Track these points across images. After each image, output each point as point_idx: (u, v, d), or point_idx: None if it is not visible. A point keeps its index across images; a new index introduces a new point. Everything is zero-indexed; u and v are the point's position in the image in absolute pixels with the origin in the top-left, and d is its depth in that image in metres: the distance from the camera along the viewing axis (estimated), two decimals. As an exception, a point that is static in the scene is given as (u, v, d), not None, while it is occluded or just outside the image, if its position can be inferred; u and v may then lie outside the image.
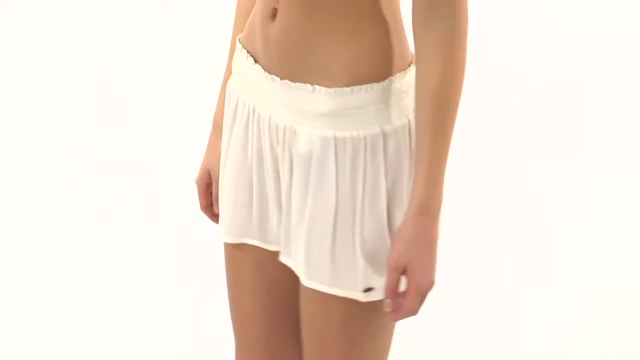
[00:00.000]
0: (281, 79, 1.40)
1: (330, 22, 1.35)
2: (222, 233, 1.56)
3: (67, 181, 3.21)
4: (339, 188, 1.39)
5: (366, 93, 1.36)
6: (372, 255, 1.40)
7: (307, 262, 1.43)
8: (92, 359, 2.53)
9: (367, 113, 1.37)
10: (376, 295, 1.41)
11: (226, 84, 1.56)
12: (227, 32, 1.61)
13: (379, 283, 1.40)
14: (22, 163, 3.30)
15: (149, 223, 3.02)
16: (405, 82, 1.39)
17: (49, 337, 2.59)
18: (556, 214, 3.14)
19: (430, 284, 1.37)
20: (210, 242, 2.75)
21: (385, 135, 1.37)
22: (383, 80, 1.37)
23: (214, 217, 1.65)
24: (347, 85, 1.36)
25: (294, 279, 1.50)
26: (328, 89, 1.36)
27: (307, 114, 1.38)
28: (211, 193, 1.64)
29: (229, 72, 1.56)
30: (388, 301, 1.37)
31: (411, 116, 1.39)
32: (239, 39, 1.51)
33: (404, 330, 2.62)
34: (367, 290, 1.41)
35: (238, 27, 1.57)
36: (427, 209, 1.34)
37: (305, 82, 1.38)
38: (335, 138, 1.37)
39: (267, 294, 1.57)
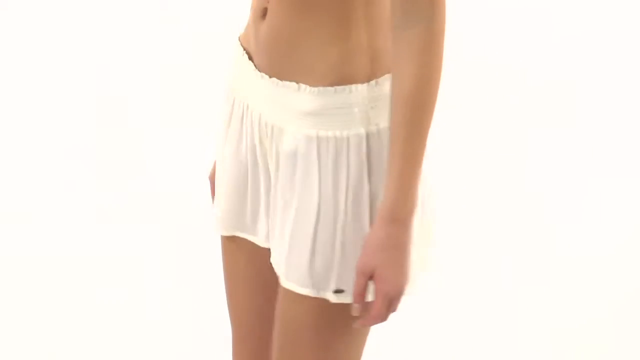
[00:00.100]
0: (270, 77, 1.42)
1: (318, 22, 1.35)
2: (215, 225, 1.58)
3: (67, 181, 3.21)
4: (321, 188, 1.39)
5: (350, 94, 1.36)
6: (350, 258, 1.39)
7: (288, 262, 1.44)
8: (92, 358, 2.53)
9: (351, 114, 1.37)
10: (346, 298, 1.40)
11: None
12: (227, 33, 1.62)
13: (351, 286, 1.40)
14: (22, 163, 3.30)
15: (148, 224, 3.02)
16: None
17: (48, 337, 2.59)
18: (555, 214, 3.14)
19: (398, 291, 1.35)
20: (210, 242, 2.75)
21: (369, 137, 1.37)
22: (368, 82, 1.37)
23: None
24: (332, 85, 1.37)
25: None
26: (312, 88, 1.37)
27: (293, 112, 1.40)
28: None
29: None
30: (356, 306, 1.36)
31: None
32: (239, 37, 1.53)
33: (403, 330, 2.62)
34: (338, 291, 1.40)
35: None
36: (397, 215, 1.32)
37: (291, 80, 1.39)
38: (318, 137, 1.38)
39: (260, 289, 1.58)
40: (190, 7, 4.17)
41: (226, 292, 1.65)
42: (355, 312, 1.37)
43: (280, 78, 1.40)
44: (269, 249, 1.53)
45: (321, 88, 1.37)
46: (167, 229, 2.99)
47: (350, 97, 1.36)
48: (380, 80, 1.37)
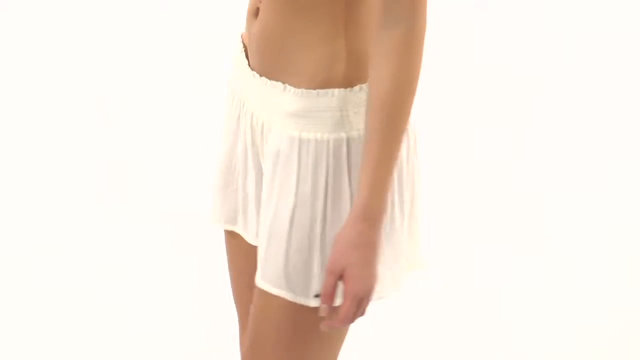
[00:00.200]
0: (260, 76, 1.43)
1: (306, 24, 1.36)
2: (210, 218, 1.60)
3: (67, 181, 3.21)
4: (298, 190, 1.39)
5: (332, 97, 1.37)
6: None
7: (265, 262, 1.44)
8: (93, 358, 2.53)
9: (333, 117, 1.37)
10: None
11: None
12: (227, 33, 1.63)
13: None
14: (21, 163, 3.30)
15: (148, 224, 3.02)
16: None
17: (48, 337, 2.59)
18: (553, 214, 3.14)
19: (366, 291, 1.33)
20: (210, 242, 2.75)
21: (349, 141, 1.37)
22: (353, 86, 1.37)
23: None
24: (315, 88, 1.37)
25: None
26: (297, 89, 1.38)
27: (279, 112, 1.40)
28: None
29: None
30: (324, 306, 1.35)
31: None
32: (241, 34, 1.54)
33: (403, 330, 2.63)
34: (318, 296, 1.38)
35: None
36: (368, 214, 1.31)
37: (278, 80, 1.40)
38: (300, 139, 1.38)
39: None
40: (191, 7, 4.17)
41: (230, 283, 1.68)
42: (323, 312, 1.35)
43: (269, 77, 1.41)
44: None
45: (304, 90, 1.37)
46: (166, 229, 2.99)
47: (332, 101, 1.36)
48: (364, 86, 1.37)
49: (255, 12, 1.44)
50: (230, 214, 1.58)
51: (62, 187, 3.18)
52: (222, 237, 1.69)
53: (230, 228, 1.59)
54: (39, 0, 4.17)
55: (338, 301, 1.37)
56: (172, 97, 3.66)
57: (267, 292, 1.43)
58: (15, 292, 2.74)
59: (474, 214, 3.12)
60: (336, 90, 1.36)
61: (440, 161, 3.28)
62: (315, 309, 1.40)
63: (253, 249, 1.56)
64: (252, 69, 1.45)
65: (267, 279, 1.43)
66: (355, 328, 2.47)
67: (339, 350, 1.50)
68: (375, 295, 1.40)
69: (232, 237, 1.62)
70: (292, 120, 1.39)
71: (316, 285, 1.39)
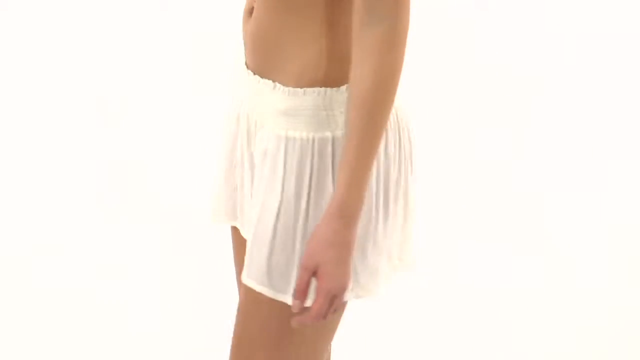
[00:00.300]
0: (253, 74, 1.44)
1: (296, 24, 1.37)
2: (211, 217, 1.60)
3: (67, 181, 3.21)
4: (284, 188, 1.40)
5: (318, 96, 1.37)
6: None
7: (250, 259, 1.44)
8: (93, 358, 2.53)
9: (318, 116, 1.38)
10: (306, 301, 1.39)
11: None
12: (227, 33, 1.64)
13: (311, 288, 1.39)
14: (21, 163, 3.30)
15: (147, 224, 3.02)
16: None
17: (47, 337, 2.59)
18: (553, 214, 3.14)
19: (339, 289, 1.34)
20: (210, 241, 2.75)
21: (334, 141, 1.37)
22: (339, 86, 1.37)
23: None
24: (302, 87, 1.38)
25: None
26: (285, 88, 1.39)
27: (269, 111, 1.42)
28: None
29: None
30: (296, 302, 1.36)
31: None
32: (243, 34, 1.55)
33: (403, 330, 2.63)
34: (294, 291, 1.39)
35: None
36: (344, 212, 1.31)
37: (269, 78, 1.41)
38: (286, 137, 1.39)
39: None
40: (191, 8, 4.17)
41: (235, 277, 1.70)
42: (295, 308, 1.36)
43: (261, 76, 1.43)
44: None
45: (292, 88, 1.38)
46: (166, 228, 2.99)
47: (319, 100, 1.37)
48: None
49: (250, 11, 1.46)
50: (232, 210, 1.59)
51: (62, 187, 3.18)
52: (221, 237, 1.70)
53: (232, 223, 1.61)
54: (39, 0, 4.18)
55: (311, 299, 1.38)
56: (172, 97, 3.66)
57: (252, 289, 1.44)
58: (15, 292, 2.74)
59: (474, 213, 3.12)
60: (322, 90, 1.37)
61: (440, 161, 3.28)
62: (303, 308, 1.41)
63: None
64: (247, 68, 1.47)
65: (252, 276, 1.44)
66: (357, 328, 2.47)
67: (323, 348, 1.50)
68: (361, 292, 1.42)
69: (236, 233, 1.64)
70: (280, 119, 1.40)
71: (294, 284, 1.40)
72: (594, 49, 4.03)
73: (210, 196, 1.63)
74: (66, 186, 3.19)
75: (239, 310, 1.48)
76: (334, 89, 1.37)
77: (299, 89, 1.38)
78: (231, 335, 1.65)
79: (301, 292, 1.35)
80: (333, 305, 1.35)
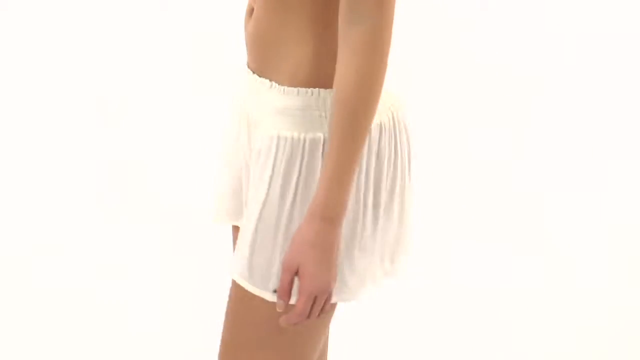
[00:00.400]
0: (252, 73, 1.45)
1: (292, 24, 1.38)
2: (211, 215, 1.61)
3: (67, 181, 3.21)
4: (270, 187, 1.40)
5: (311, 97, 1.38)
6: None
7: (236, 254, 1.46)
8: (94, 358, 2.53)
9: (311, 117, 1.38)
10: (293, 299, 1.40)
11: None
12: (227, 33, 1.64)
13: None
14: (21, 163, 3.30)
15: (147, 224, 3.02)
16: None
17: (47, 337, 2.59)
18: (553, 214, 3.14)
19: (320, 289, 1.34)
20: (210, 241, 2.75)
21: (325, 142, 1.37)
22: (332, 88, 1.37)
23: None
24: (296, 86, 1.38)
25: None
26: (280, 87, 1.40)
27: (266, 110, 1.43)
28: None
29: None
30: (280, 302, 1.36)
31: None
32: None
33: (402, 330, 2.62)
34: (277, 291, 1.40)
35: None
36: (325, 213, 1.32)
37: (266, 77, 1.42)
38: (278, 137, 1.40)
39: None
40: (191, 8, 4.17)
41: None
42: (279, 308, 1.36)
43: (259, 75, 1.44)
44: None
45: (286, 87, 1.39)
46: (166, 228, 3.00)
47: (311, 100, 1.38)
48: None
49: (251, 12, 1.47)
50: (234, 210, 1.60)
51: (62, 187, 3.18)
52: (221, 236, 1.70)
53: (234, 223, 1.62)
54: (39, 0, 4.18)
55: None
56: (172, 97, 3.66)
57: (240, 286, 1.45)
58: (15, 292, 2.74)
59: (474, 213, 3.12)
60: (316, 90, 1.38)
61: (441, 161, 3.28)
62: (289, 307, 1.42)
63: None
64: (248, 67, 1.48)
65: (237, 271, 1.45)
66: (357, 328, 2.47)
67: (311, 349, 1.50)
68: (347, 296, 1.42)
69: (236, 232, 1.66)
70: (275, 118, 1.41)
71: (276, 280, 1.41)
72: (594, 49, 4.03)
73: (212, 196, 1.64)
74: (66, 186, 3.19)
75: (227, 307, 1.49)
76: (328, 89, 1.38)
77: (292, 88, 1.38)
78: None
79: (284, 292, 1.35)
80: (316, 305, 1.35)
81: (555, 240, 3.03)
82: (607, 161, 3.42)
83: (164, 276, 2.82)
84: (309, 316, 1.35)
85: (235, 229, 1.67)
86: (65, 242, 2.94)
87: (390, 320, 2.64)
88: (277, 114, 1.40)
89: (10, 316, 2.66)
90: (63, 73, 3.77)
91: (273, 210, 1.40)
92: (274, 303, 1.42)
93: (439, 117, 3.49)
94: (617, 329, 2.70)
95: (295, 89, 1.38)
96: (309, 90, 1.38)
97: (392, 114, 1.42)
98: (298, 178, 1.38)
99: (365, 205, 1.41)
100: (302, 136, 1.38)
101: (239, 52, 3.76)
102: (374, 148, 1.39)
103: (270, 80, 1.41)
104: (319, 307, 1.35)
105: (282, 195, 1.39)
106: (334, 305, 1.48)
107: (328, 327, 1.54)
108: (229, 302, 1.49)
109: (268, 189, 1.40)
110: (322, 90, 1.37)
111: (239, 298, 1.46)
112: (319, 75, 1.38)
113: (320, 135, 1.38)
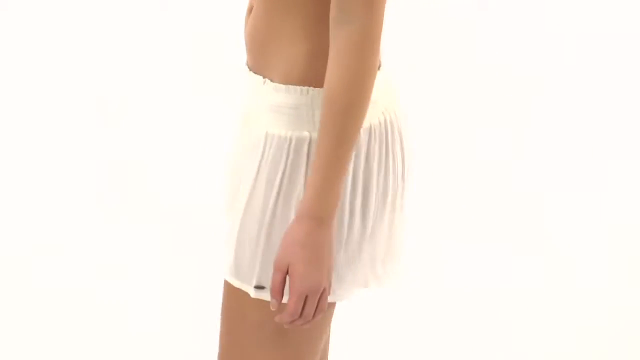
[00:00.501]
0: (249, 70, 1.46)
1: (286, 23, 1.38)
2: (223, 210, 1.62)
3: (67, 181, 3.21)
4: (255, 184, 1.41)
5: (300, 95, 1.38)
6: (273, 258, 1.40)
7: (224, 249, 1.46)
8: (94, 358, 2.53)
9: (299, 115, 1.38)
10: (265, 296, 1.41)
11: None
12: (227, 33, 1.65)
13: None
14: (21, 163, 3.30)
15: (147, 224, 3.02)
16: None
17: (47, 337, 2.59)
18: (553, 214, 3.14)
19: (311, 289, 1.34)
20: (209, 242, 2.75)
21: (311, 142, 1.37)
22: (322, 87, 1.37)
23: None
24: (287, 84, 1.39)
25: None
26: (272, 84, 1.40)
27: (259, 107, 1.43)
28: None
29: None
30: (273, 301, 1.36)
31: None
32: None
33: (402, 331, 2.63)
34: (258, 287, 1.41)
35: None
36: (313, 213, 1.32)
37: (260, 74, 1.43)
38: (266, 134, 1.40)
39: None
40: (191, 8, 4.17)
41: None
42: (273, 307, 1.36)
43: (255, 72, 1.44)
44: None
45: (277, 85, 1.39)
46: (166, 228, 3.00)
47: (300, 98, 1.38)
48: None
49: (251, 10, 1.48)
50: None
51: (62, 187, 3.18)
52: (221, 236, 1.70)
53: None
54: (39, 0, 4.18)
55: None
56: (172, 97, 3.66)
57: (232, 286, 1.46)
58: (15, 292, 2.74)
59: (474, 213, 3.12)
60: (305, 88, 1.38)
61: (440, 160, 3.28)
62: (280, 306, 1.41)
63: None
64: (246, 65, 1.49)
65: (225, 265, 1.46)
66: (358, 329, 2.47)
67: (311, 351, 1.49)
68: (339, 296, 1.42)
69: None
70: (266, 115, 1.41)
71: (257, 276, 1.41)
72: (594, 49, 4.03)
73: (222, 192, 1.64)
74: (66, 186, 3.19)
75: (222, 305, 1.50)
76: (318, 88, 1.37)
77: (283, 86, 1.39)
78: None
79: (276, 292, 1.35)
80: (308, 304, 1.35)
81: (555, 240, 3.03)
82: (607, 161, 3.42)
83: (164, 276, 2.82)
84: (301, 315, 1.35)
85: None
86: (65, 242, 2.94)
87: (390, 321, 2.64)
88: (268, 111, 1.41)
89: (10, 316, 2.66)
90: (63, 73, 3.77)
91: (257, 207, 1.40)
92: (265, 302, 1.42)
93: (438, 117, 3.49)
94: (617, 329, 2.70)
95: (285, 87, 1.38)
96: (300, 88, 1.38)
97: (385, 117, 1.41)
98: (282, 176, 1.38)
99: (351, 210, 1.40)
100: (289, 134, 1.38)
101: (240, 52, 3.76)
102: (363, 151, 1.39)
103: (264, 77, 1.42)
104: (312, 306, 1.35)
105: (266, 193, 1.39)
106: (332, 305, 1.47)
107: (329, 327, 1.54)
108: (223, 299, 1.50)
109: (253, 186, 1.40)
110: (311, 88, 1.37)
111: (229, 294, 1.47)
112: (310, 74, 1.38)
113: (306, 134, 1.38)
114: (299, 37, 1.38)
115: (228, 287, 1.47)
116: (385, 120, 1.41)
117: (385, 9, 1.31)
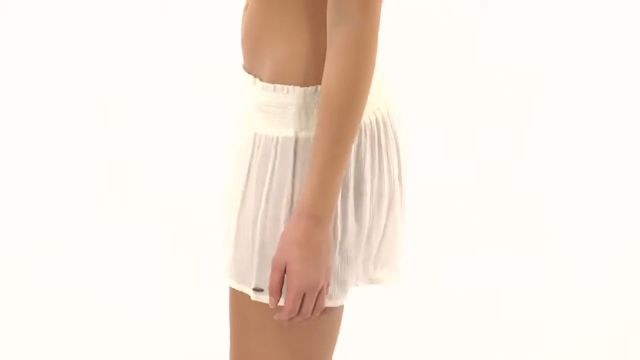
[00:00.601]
0: (243, 69, 1.46)
1: (276, 21, 1.38)
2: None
3: (67, 182, 3.21)
4: (247, 185, 1.41)
5: (287, 94, 1.37)
6: (268, 259, 1.39)
7: (223, 252, 1.46)
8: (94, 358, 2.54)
9: (285, 114, 1.38)
10: (264, 298, 1.40)
11: None
12: (226, 36, 1.65)
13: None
14: (21, 163, 3.30)
15: (147, 224, 3.02)
16: None
17: (47, 337, 2.59)
18: (553, 214, 3.14)
19: (308, 287, 1.34)
20: (209, 242, 2.75)
21: (297, 141, 1.37)
22: (309, 86, 1.37)
23: None
24: (273, 83, 1.38)
25: None
26: (260, 83, 1.40)
27: (250, 106, 1.43)
28: None
29: None
30: (271, 299, 1.36)
31: None
32: None
33: (402, 331, 2.63)
34: (257, 290, 1.41)
35: None
36: (311, 212, 1.32)
37: (251, 73, 1.43)
38: (255, 135, 1.40)
39: None
40: (191, 8, 4.17)
41: None
42: (271, 304, 1.37)
43: (248, 71, 1.44)
44: None
45: (265, 84, 1.39)
46: (166, 229, 3.00)
47: (287, 98, 1.37)
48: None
49: (245, 8, 1.47)
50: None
51: (62, 187, 3.18)
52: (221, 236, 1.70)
53: None
54: (39, 0, 4.18)
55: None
56: (172, 97, 3.66)
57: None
58: (15, 292, 2.74)
59: (474, 213, 3.12)
60: (291, 87, 1.37)
61: (440, 160, 3.28)
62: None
63: None
64: (242, 65, 1.48)
65: (224, 268, 1.46)
66: (360, 330, 2.47)
67: (321, 348, 1.49)
68: (336, 299, 1.41)
69: None
70: (255, 115, 1.41)
71: (256, 279, 1.41)
72: (594, 49, 4.04)
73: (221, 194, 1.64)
74: (66, 186, 3.19)
75: (229, 309, 1.50)
76: (305, 87, 1.37)
77: (270, 85, 1.38)
78: (225, 334, 1.66)
79: (274, 291, 1.36)
80: (306, 302, 1.35)
81: (555, 241, 3.03)
82: (608, 161, 3.42)
83: (164, 276, 2.82)
84: (299, 313, 1.35)
85: None
86: (64, 242, 2.94)
87: (390, 321, 2.64)
88: (256, 111, 1.40)
89: (9, 316, 2.66)
90: (63, 73, 3.77)
91: (250, 209, 1.40)
92: (265, 304, 1.41)
93: (438, 117, 3.49)
94: (617, 329, 2.70)
95: (273, 86, 1.38)
96: (285, 87, 1.37)
97: (376, 116, 1.40)
98: (271, 176, 1.38)
99: (345, 210, 1.39)
100: (275, 135, 1.38)
101: (240, 52, 3.75)
102: (352, 149, 1.37)
103: (254, 77, 1.41)
104: (310, 304, 1.35)
105: (257, 194, 1.39)
106: (336, 310, 1.45)
107: (337, 330, 1.52)
108: (229, 302, 1.49)
109: (245, 188, 1.41)
110: (298, 87, 1.37)
111: (231, 295, 1.47)
112: (296, 73, 1.37)
113: (292, 134, 1.37)
114: (289, 36, 1.37)
115: (230, 288, 1.47)
116: (376, 120, 1.40)
117: (381, 8, 1.31)
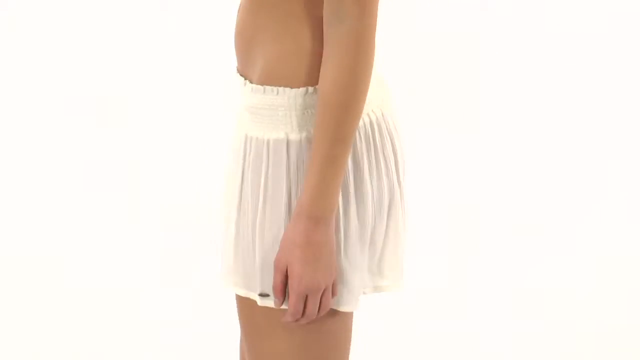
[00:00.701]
0: (236, 71, 1.45)
1: (267, 21, 1.37)
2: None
3: (67, 182, 3.21)
4: (243, 189, 1.40)
5: (277, 95, 1.36)
6: (270, 262, 1.38)
7: (222, 259, 1.46)
8: (94, 358, 2.54)
9: (275, 116, 1.37)
10: (270, 303, 1.39)
11: None
12: (226, 36, 1.64)
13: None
14: (21, 164, 3.30)
15: (148, 224, 3.03)
16: None
17: (47, 337, 2.59)
18: (553, 214, 3.14)
19: (310, 288, 1.33)
20: (209, 242, 2.75)
21: (289, 143, 1.36)
22: (299, 87, 1.36)
23: None
24: (263, 84, 1.37)
25: None
26: (250, 84, 1.39)
27: (242, 109, 1.42)
28: None
29: None
30: (275, 300, 1.36)
31: None
32: None
33: (402, 331, 2.63)
34: (263, 295, 1.40)
35: None
36: (310, 213, 1.31)
37: (242, 75, 1.42)
38: (246, 137, 1.40)
39: None
40: (191, 7, 4.17)
41: None
42: (276, 305, 1.37)
43: (240, 73, 1.43)
44: None
45: (255, 86, 1.38)
46: (166, 229, 3.00)
47: (276, 100, 1.36)
48: (312, 88, 1.36)
49: (239, 8, 1.47)
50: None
51: (62, 188, 3.18)
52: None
53: None
54: (39, 0, 4.18)
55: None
56: (172, 97, 3.66)
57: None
58: (14, 292, 2.74)
59: (474, 214, 3.12)
60: (281, 89, 1.36)
61: (440, 160, 3.28)
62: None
63: None
64: (236, 67, 1.48)
65: (224, 276, 1.45)
66: (362, 330, 2.47)
67: (337, 351, 1.49)
68: (343, 304, 1.40)
69: None
70: (245, 116, 1.40)
71: (258, 283, 1.40)
72: (594, 49, 4.04)
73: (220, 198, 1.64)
74: (66, 186, 3.19)
75: (239, 317, 1.49)
76: (294, 89, 1.36)
77: (259, 87, 1.37)
78: (231, 335, 1.66)
79: (277, 292, 1.36)
80: (310, 304, 1.34)
81: (555, 240, 3.03)
82: (608, 162, 3.42)
83: (164, 276, 2.82)
84: (303, 314, 1.35)
85: None
86: (64, 242, 2.94)
87: (390, 321, 2.64)
88: (247, 113, 1.40)
89: (9, 316, 2.66)
90: (63, 73, 3.77)
91: (248, 212, 1.39)
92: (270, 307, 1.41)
93: (437, 117, 3.49)
94: (617, 330, 2.70)
95: (262, 87, 1.37)
96: (275, 89, 1.36)
97: (370, 118, 1.39)
98: (266, 179, 1.37)
99: (346, 213, 1.38)
100: (266, 137, 1.37)
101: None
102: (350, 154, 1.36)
103: (245, 79, 1.41)
104: (315, 305, 1.35)
105: (253, 197, 1.39)
106: (344, 315, 1.44)
107: (349, 335, 1.50)
108: (237, 308, 1.49)
109: (241, 191, 1.40)
110: (287, 89, 1.36)
111: (237, 299, 1.46)
112: (288, 75, 1.36)
113: (283, 136, 1.36)
114: (279, 36, 1.36)
115: (238, 298, 1.46)
116: (370, 121, 1.39)
117: (378, 8, 1.30)
